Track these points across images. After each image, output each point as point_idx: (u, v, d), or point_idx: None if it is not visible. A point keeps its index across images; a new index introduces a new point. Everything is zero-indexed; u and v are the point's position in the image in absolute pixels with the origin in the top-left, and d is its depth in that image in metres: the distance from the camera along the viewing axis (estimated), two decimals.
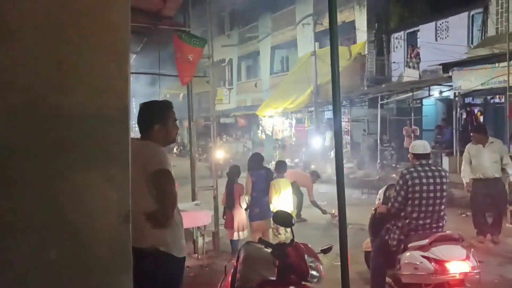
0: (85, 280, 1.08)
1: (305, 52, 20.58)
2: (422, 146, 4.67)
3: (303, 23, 20.97)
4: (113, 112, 1.04)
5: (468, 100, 15.27)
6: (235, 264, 3.97)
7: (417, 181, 4.42)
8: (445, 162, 12.73)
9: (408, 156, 4.80)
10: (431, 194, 4.43)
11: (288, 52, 25.75)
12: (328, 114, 20.99)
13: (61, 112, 1.01)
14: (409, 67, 17.24)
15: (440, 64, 13.25)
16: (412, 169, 4.51)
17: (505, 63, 9.69)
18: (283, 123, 20.59)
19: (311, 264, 3.30)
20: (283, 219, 3.43)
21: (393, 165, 14.45)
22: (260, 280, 3.44)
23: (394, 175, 12.65)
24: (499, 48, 11.33)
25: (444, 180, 4.52)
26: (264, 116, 21.84)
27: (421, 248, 4.30)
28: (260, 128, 22.71)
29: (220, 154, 16.01)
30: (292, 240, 3.34)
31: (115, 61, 1.03)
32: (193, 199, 7.47)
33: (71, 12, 1.03)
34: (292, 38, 23.21)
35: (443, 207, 4.54)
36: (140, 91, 19.27)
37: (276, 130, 21.04)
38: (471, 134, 7.97)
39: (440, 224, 4.53)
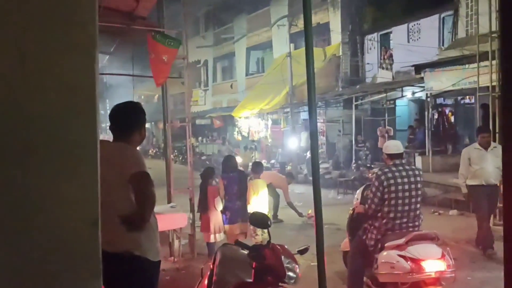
0: (54, 285, 1.03)
1: (281, 53, 20.66)
2: (395, 146, 4.72)
3: (278, 24, 21.05)
4: (80, 112, 0.99)
5: (439, 100, 15.62)
6: (211, 266, 3.94)
7: (392, 181, 4.46)
8: (418, 161, 12.97)
9: (382, 156, 4.87)
10: (406, 194, 4.47)
11: (263, 53, 25.81)
12: (304, 115, 21.11)
13: (24, 112, 0.96)
14: (383, 68, 17.52)
15: (412, 66, 13.49)
16: (386, 170, 4.55)
17: (475, 65, 9.90)
18: (259, 124, 20.60)
19: (288, 265, 3.30)
20: (259, 220, 3.41)
21: (368, 165, 14.61)
22: (237, 282, 3.41)
23: (370, 175, 12.81)
24: (469, 50, 11.61)
25: (418, 179, 4.57)
26: (240, 117, 21.82)
27: (398, 247, 4.34)
28: (236, 129, 22.67)
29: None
30: (269, 242, 3.32)
31: (82, 59, 0.99)
32: (169, 201, 7.39)
33: (34, 8, 0.98)
34: (267, 39, 23.27)
35: (418, 205, 4.59)
36: (114, 92, 18.99)
37: (252, 131, 21.04)
38: (479, 135, 7.27)
39: (417, 223, 4.57)
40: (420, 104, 16.26)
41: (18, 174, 0.95)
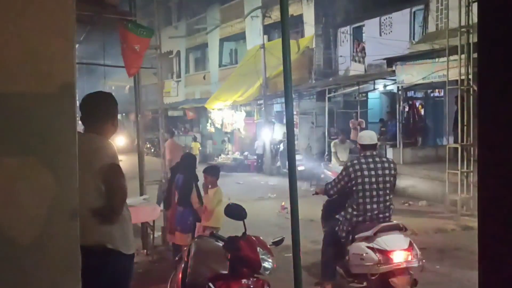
0: (30, 281, 0.98)
1: (254, 44, 20.60)
2: (368, 137, 4.76)
3: (252, 16, 20.96)
4: (57, 98, 0.93)
5: (410, 93, 15.91)
6: (186, 259, 3.92)
7: (359, 173, 4.52)
8: (389, 153, 13.18)
9: (355, 147, 4.94)
10: (374, 186, 4.52)
11: (236, 45, 25.67)
12: (277, 107, 21.15)
13: None
14: (355, 61, 17.70)
15: (384, 59, 13.68)
16: (355, 161, 4.62)
17: (445, 58, 10.12)
18: (232, 116, 20.54)
19: (263, 256, 3.31)
20: (234, 211, 3.41)
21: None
22: (212, 274, 3.41)
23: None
24: (439, 44, 11.86)
25: (390, 171, 4.61)
26: (213, 109, 21.69)
27: (366, 239, 4.42)
28: (209, 121, 22.56)
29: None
30: (244, 233, 3.33)
31: (59, 44, 0.93)
32: (141, 193, 7.31)
33: None
34: (240, 30, 23.14)
35: (388, 197, 4.64)
36: (83, 83, 18.56)
37: (226, 123, 20.97)
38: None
39: (387, 214, 4.63)
40: (392, 97, 16.54)
41: None
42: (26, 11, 0.92)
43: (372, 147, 4.70)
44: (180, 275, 3.80)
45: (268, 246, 3.46)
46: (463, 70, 9.69)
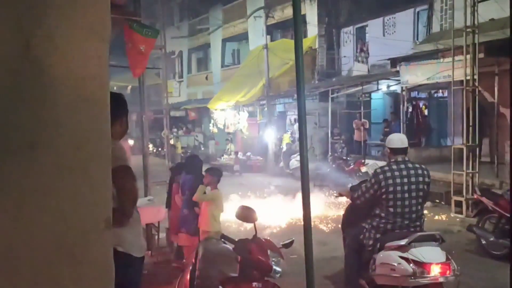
0: None
1: (257, 45, 20.56)
2: (399, 140, 4.39)
3: (255, 16, 20.91)
4: (91, 103, 0.90)
5: (413, 94, 15.87)
6: (193, 261, 3.88)
7: (390, 181, 4.20)
8: None
9: (385, 151, 4.66)
10: (406, 195, 4.22)
11: (239, 45, 25.64)
12: (280, 108, 21.11)
13: (29, 103, 0.86)
14: (358, 61, 17.67)
15: (388, 59, 13.64)
16: (386, 168, 4.28)
17: (450, 59, 10.06)
18: (235, 116, 20.48)
19: (274, 259, 3.28)
20: (246, 214, 3.37)
21: (344, 158, 14.75)
22: (222, 277, 3.38)
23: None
24: (444, 44, 11.81)
25: (424, 179, 4.29)
26: (215, 109, 21.65)
27: (399, 248, 4.07)
28: (212, 121, 22.51)
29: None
30: (255, 236, 3.29)
31: (92, 44, 0.89)
32: (146, 194, 7.26)
33: None
34: (243, 30, 23.10)
35: (420, 207, 4.34)
36: None
37: (228, 123, 20.92)
38: None
39: (417, 224, 4.34)
40: (395, 98, 16.49)
41: (18, 170, 0.85)
42: (57, 5, 0.87)
43: (403, 151, 4.33)
44: (188, 277, 3.76)
45: (279, 249, 3.42)
46: (468, 71, 9.63)
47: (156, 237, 6.96)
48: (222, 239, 3.51)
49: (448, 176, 10.08)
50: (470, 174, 9.65)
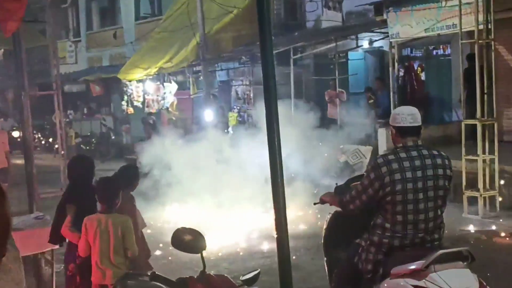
0: None
1: None
2: (409, 115, 4.22)
3: None
4: None
5: (406, 52, 16.12)
6: None
7: (398, 176, 4.09)
8: (381, 136, 13.26)
9: (389, 132, 4.49)
10: (420, 195, 4.14)
11: None
12: (222, 76, 20.96)
13: None
14: (329, 8, 17.71)
15: (370, 3, 13.73)
16: (391, 157, 4.15)
17: (456, 1, 10.15)
18: (158, 89, 20.24)
19: None
20: (187, 242, 3.14)
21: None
22: None
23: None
24: None
25: (444, 171, 4.20)
26: (130, 81, 21.43)
27: (412, 274, 3.97)
28: (126, 98, 22.18)
29: None
30: (203, 272, 3.10)
31: None
32: (32, 210, 7.17)
33: None
34: None
35: (439, 211, 4.29)
36: None
37: (149, 99, 20.64)
38: None
39: (436, 236, 4.31)
40: (381, 57, 16.73)
41: None
42: None
43: (415, 131, 4.21)
44: None
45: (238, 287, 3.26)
46: (480, 17, 9.75)
47: (51, 271, 6.66)
48: (153, 281, 3.28)
49: (457, 163, 10.23)
50: (487, 160, 9.85)
